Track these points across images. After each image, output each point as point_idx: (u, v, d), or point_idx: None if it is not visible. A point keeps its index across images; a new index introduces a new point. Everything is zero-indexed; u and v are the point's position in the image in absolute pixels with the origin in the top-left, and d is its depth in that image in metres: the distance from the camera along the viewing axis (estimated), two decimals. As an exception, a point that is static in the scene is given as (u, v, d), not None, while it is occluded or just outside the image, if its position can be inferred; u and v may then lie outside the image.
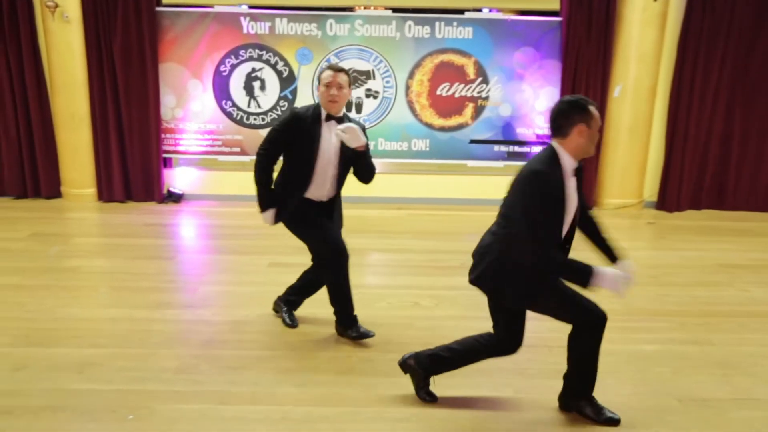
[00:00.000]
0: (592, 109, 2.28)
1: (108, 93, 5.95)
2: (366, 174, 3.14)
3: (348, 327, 3.24)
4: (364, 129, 3.04)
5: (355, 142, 2.90)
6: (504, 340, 2.58)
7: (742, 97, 6.16)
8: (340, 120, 3.03)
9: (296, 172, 3.09)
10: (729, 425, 2.54)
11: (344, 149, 3.03)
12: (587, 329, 2.44)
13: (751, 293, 4.07)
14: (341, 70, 2.99)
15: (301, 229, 3.17)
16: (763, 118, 6.20)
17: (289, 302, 3.47)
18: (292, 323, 3.40)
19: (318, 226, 3.15)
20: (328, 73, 2.97)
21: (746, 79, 6.11)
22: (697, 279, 4.34)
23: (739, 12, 5.89)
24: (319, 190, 3.12)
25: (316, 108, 3.06)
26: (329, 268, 3.18)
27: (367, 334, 3.21)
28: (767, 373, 2.98)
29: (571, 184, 2.33)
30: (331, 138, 3.04)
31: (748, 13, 5.92)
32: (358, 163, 3.09)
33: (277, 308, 3.53)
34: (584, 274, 2.26)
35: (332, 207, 3.23)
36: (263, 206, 3.14)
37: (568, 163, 2.31)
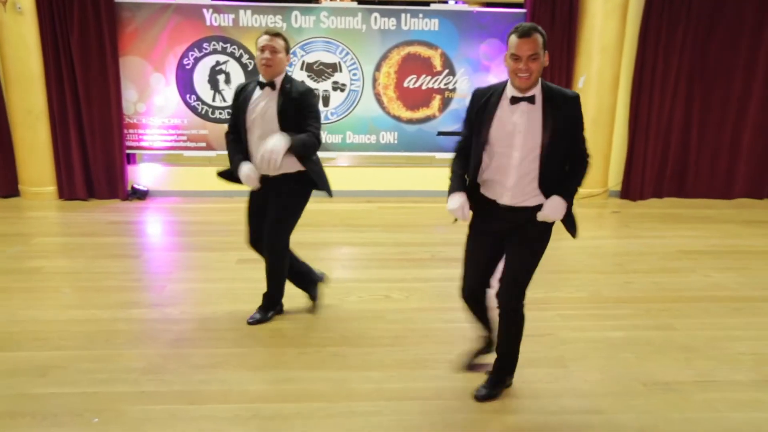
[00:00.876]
0: (510, 35, 2.28)
1: (66, 87, 5.79)
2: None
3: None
4: (309, 92, 3.04)
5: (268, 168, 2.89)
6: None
7: (700, 88, 6.32)
8: (274, 87, 3.03)
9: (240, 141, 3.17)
10: (692, 407, 2.62)
11: (284, 115, 2.99)
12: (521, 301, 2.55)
13: (713, 278, 4.20)
14: (277, 34, 3.01)
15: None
16: (720, 108, 6.37)
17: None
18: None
19: (250, 212, 3.30)
20: (264, 37, 2.99)
21: (704, 70, 6.28)
22: (661, 266, 4.46)
23: (697, 4, 6.04)
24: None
25: (257, 79, 3.10)
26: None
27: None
28: (728, 356, 3.08)
29: (504, 108, 2.36)
30: (267, 105, 3.02)
31: (705, 5, 6.07)
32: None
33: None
34: (450, 189, 2.50)
35: (278, 187, 3.13)
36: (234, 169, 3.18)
37: (509, 89, 2.36)
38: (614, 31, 6.01)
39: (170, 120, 6.15)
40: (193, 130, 6.18)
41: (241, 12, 5.96)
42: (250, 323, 3.35)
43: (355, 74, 6.21)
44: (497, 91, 2.41)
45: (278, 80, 3.03)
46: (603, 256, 4.69)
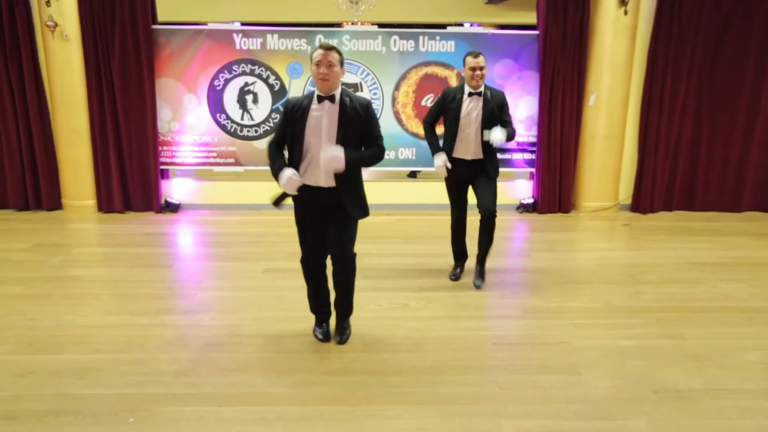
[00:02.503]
0: (467, 57, 3.94)
1: (107, 108, 6.11)
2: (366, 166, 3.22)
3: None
4: (370, 104, 3.10)
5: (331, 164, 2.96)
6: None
7: (708, 104, 6.41)
8: (334, 100, 3.02)
9: (291, 155, 3.10)
10: (702, 414, 2.67)
11: (346, 126, 3.01)
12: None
13: (721, 289, 4.25)
14: (332, 48, 2.95)
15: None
16: (728, 124, 6.45)
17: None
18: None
19: (302, 227, 3.21)
20: (319, 51, 2.94)
21: (712, 87, 6.37)
22: (671, 277, 4.52)
23: (705, 24, 6.17)
24: (313, 174, 3.07)
25: (462, 88, 3.41)
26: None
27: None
28: (737, 364, 3.12)
29: (465, 101, 4.00)
30: (328, 118, 3.01)
31: (712, 25, 6.19)
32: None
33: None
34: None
35: (335, 201, 3.09)
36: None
37: (466, 88, 4.01)
38: (624, 50, 6.18)
39: (201, 138, 6.45)
40: (223, 147, 6.47)
41: (269, 36, 6.28)
42: (339, 343, 3.33)
43: (375, 93, 6.48)
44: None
45: (336, 93, 3.02)
46: (615, 267, 4.73)
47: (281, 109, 3.30)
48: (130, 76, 6.10)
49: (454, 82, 6.45)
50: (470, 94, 3.99)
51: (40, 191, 6.38)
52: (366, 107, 3.08)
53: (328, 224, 3.17)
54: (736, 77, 6.34)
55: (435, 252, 5.09)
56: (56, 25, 5.83)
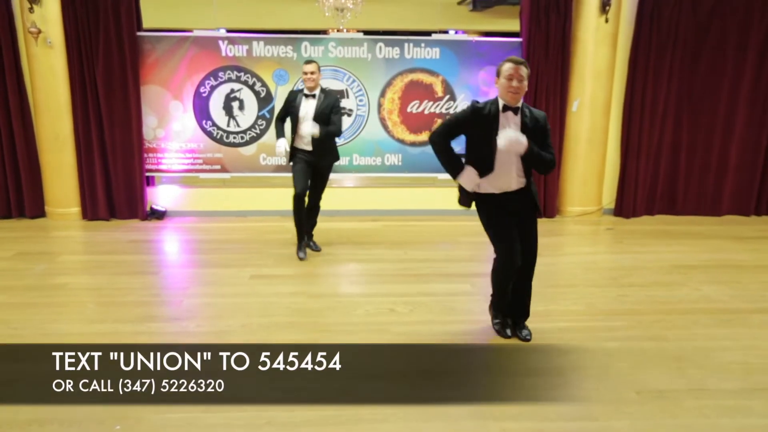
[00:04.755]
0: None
1: (91, 115, 6.08)
2: (538, 167, 3.31)
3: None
4: (545, 117, 3.27)
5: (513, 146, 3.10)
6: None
7: (688, 110, 6.52)
8: (517, 111, 3.19)
9: (479, 162, 3.26)
10: (684, 414, 2.72)
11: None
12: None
13: (703, 291, 4.33)
14: (522, 62, 3.10)
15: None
16: (707, 129, 6.56)
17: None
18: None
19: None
20: (509, 65, 3.08)
21: (692, 93, 6.48)
22: (654, 280, 4.58)
23: (683, 31, 6.29)
24: (500, 180, 3.28)
25: (494, 102, 3.23)
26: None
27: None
28: (718, 365, 3.18)
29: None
30: (508, 126, 3.19)
31: (690, 32, 6.31)
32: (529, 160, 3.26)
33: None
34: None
35: (521, 198, 3.34)
36: (457, 173, 3.32)
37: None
38: (605, 57, 6.29)
39: (187, 144, 6.44)
40: (209, 154, 6.47)
41: (254, 43, 6.30)
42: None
43: (361, 100, 6.52)
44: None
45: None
46: (598, 271, 4.80)
47: (469, 110, 3.30)
48: (114, 82, 6.08)
49: (439, 89, 6.51)
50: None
51: (22, 199, 6.31)
52: (544, 119, 3.27)
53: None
54: (715, 83, 6.46)
55: (421, 257, 5.13)
56: (39, 31, 5.79)
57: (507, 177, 3.25)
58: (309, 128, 4.73)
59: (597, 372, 3.11)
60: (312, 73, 4.74)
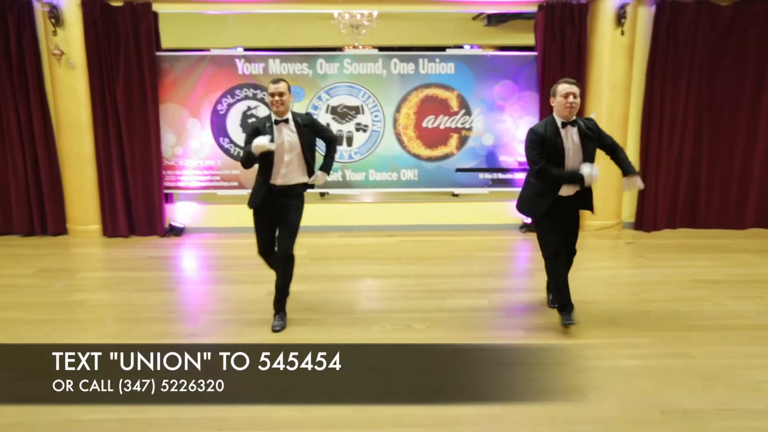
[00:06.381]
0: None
1: (111, 134, 6.20)
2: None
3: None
4: (596, 124, 3.80)
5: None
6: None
7: (708, 122, 6.44)
8: (573, 123, 3.62)
9: (550, 174, 3.68)
10: None
11: (584, 145, 3.72)
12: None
13: (728, 307, 4.23)
14: (574, 82, 3.58)
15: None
16: (728, 140, 6.48)
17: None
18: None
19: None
20: (565, 85, 3.56)
21: (711, 106, 6.40)
22: (676, 295, 4.49)
23: (701, 43, 6.24)
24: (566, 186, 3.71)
25: (550, 121, 3.62)
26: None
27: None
28: (746, 384, 3.09)
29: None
30: (569, 138, 3.64)
31: (708, 43, 6.26)
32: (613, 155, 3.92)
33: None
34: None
35: (577, 199, 3.85)
36: (578, 178, 3.72)
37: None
38: (622, 70, 6.25)
39: (205, 161, 6.52)
40: (226, 171, 6.54)
41: (271, 61, 6.38)
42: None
43: (376, 116, 6.54)
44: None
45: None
46: (618, 286, 4.74)
47: (536, 136, 3.69)
48: (134, 102, 6.19)
49: (455, 104, 6.51)
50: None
51: (45, 217, 6.43)
52: (596, 124, 3.81)
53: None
54: (735, 94, 6.38)
55: (438, 273, 5.11)
56: (62, 53, 5.95)
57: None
58: (315, 178, 3.95)
59: (619, 390, 3.04)
60: (281, 94, 3.67)
